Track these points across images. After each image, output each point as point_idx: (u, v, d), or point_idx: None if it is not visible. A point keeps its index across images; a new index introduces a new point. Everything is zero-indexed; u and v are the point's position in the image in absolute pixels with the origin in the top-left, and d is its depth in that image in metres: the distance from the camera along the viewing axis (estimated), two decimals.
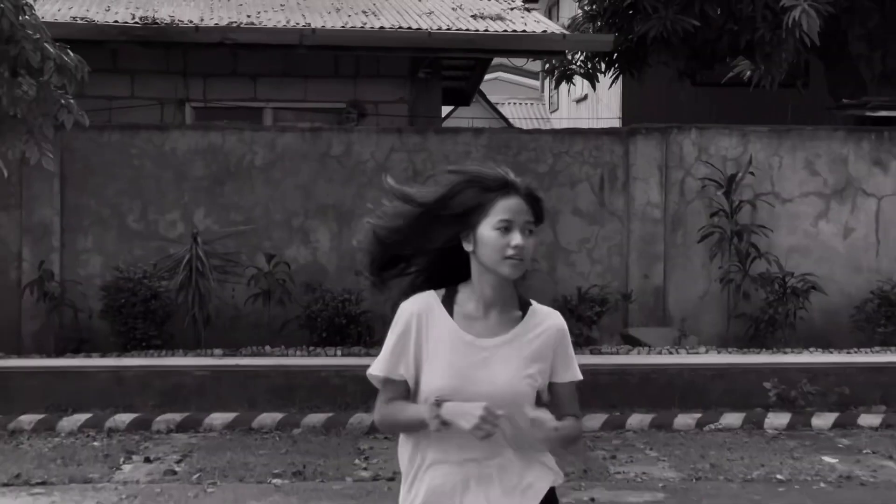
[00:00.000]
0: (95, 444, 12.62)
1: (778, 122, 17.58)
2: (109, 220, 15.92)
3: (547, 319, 4.16)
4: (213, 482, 10.81)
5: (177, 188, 15.98)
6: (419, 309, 4.05)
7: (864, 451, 12.37)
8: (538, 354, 4.10)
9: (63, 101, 13.30)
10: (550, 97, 36.52)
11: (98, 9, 17.46)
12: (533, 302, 4.19)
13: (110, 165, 15.83)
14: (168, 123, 17.18)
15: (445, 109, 25.72)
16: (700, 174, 16.32)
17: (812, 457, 12.11)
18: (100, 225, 15.91)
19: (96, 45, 15.89)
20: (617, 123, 23.74)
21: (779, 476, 11.26)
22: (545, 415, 3.92)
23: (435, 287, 4.10)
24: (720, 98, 21.19)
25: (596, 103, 27.04)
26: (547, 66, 21.64)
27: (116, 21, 16.59)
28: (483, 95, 31.95)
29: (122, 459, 11.82)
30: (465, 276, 4.08)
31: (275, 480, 10.81)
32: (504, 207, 3.97)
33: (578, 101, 29.15)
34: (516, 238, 3.96)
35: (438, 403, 3.91)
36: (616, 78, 20.32)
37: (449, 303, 4.09)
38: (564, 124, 30.76)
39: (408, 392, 4.10)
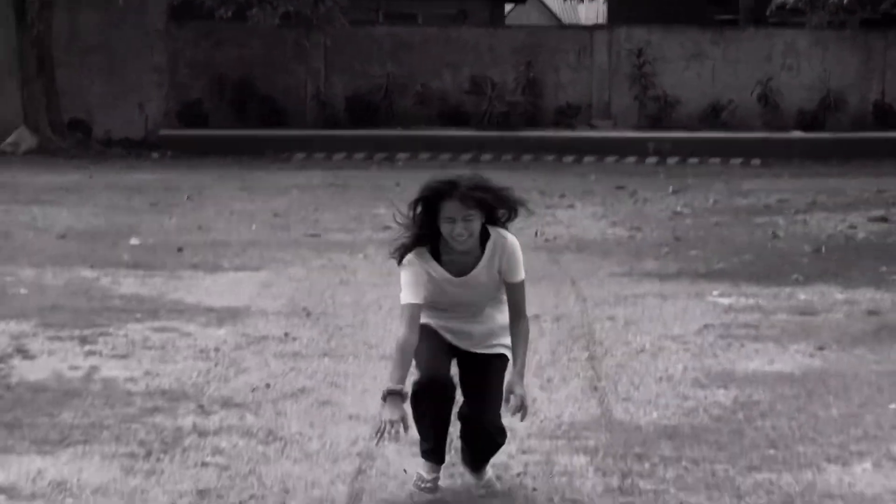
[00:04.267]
0: (354, 160, 27.57)
1: (675, 22, 31.85)
2: (346, 66, 30.73)
3: (496, 243, 5.87)
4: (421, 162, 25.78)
5: (379, 52, 30.76)
6: (420, 261, 5.81)
7: (668, 167, 27.04)
8: (493, 268, 5.89)
9: (337, 15, 28.26)
10: None
11: None
12: (492, 232, 5.86)
13: (347, 41, 30.57)
14: (374, 20, 32.06)
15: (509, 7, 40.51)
16: (626, 48, 30.85)
17: (650, 169, 26.76)
18: (342, 70, 30.74)
19: None
20: (604, 20, 38.01)
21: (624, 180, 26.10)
22: (516, 402, 5.85)
23: (427, 237, 5.82)
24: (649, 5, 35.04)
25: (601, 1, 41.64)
26: None
27: None
28: None
29: (371, 160, 26.83)
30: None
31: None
32: (446, 208, 5.67)
33: None
34: (457, 228, 5.68)
35: (391, 393, 5.63)
36: None
37: (436, 255, 5.83)
38: (583, 11, 45.38)
39: (419, 310, 5.81)
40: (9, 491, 6.21)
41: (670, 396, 8.07)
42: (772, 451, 6.85)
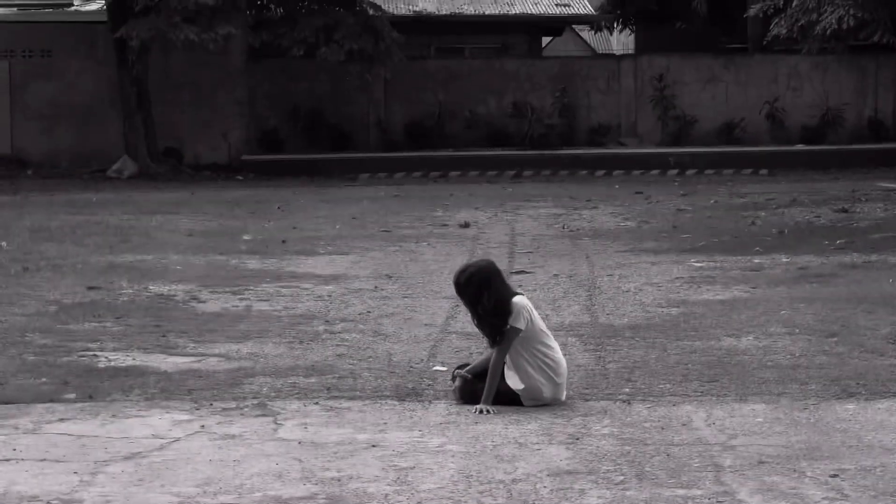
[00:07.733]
0: (412, 178, 31.53)
1: (691, 51, 35.73)
2: (404, 96, 34.75)
3: None
4: None
5: (432, 83, 34.80)
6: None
7: (685, 178, 30.84)
8: None
9: (395, 52, 32.32)
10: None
11: (388, 5, 36.21)
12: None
13: (404, 74, 34.60)
14: (427, 55, 36.18)
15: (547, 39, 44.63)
16: (648, 74, 34.77)
17: (670, 179, 30.56)
18: (400, 99, 34.80)
19: (393, 24, 34.57)
20: (633, 48, 42.15)
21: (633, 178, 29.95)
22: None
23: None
24: (671, 35, 39.26)
25: (628, 33, 45.66)
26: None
27: (403, 13, 35.56)
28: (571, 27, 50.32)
29: (427, 178, 30.79)
30: None
31: None
32: None
33: (621, 31, 47.56)
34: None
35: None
36: (621, 30, 39.18)
37: None
38: (616, 42, 49.42)
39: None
40: (224, 356, 10.21)
41: (639, 312, 12.00)
42: (692, 332, 10.80)
